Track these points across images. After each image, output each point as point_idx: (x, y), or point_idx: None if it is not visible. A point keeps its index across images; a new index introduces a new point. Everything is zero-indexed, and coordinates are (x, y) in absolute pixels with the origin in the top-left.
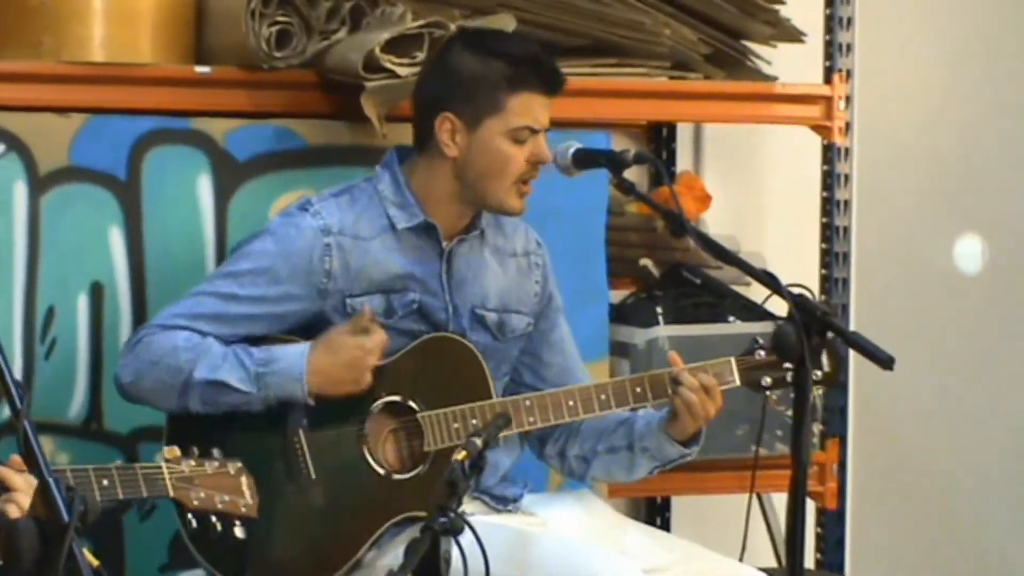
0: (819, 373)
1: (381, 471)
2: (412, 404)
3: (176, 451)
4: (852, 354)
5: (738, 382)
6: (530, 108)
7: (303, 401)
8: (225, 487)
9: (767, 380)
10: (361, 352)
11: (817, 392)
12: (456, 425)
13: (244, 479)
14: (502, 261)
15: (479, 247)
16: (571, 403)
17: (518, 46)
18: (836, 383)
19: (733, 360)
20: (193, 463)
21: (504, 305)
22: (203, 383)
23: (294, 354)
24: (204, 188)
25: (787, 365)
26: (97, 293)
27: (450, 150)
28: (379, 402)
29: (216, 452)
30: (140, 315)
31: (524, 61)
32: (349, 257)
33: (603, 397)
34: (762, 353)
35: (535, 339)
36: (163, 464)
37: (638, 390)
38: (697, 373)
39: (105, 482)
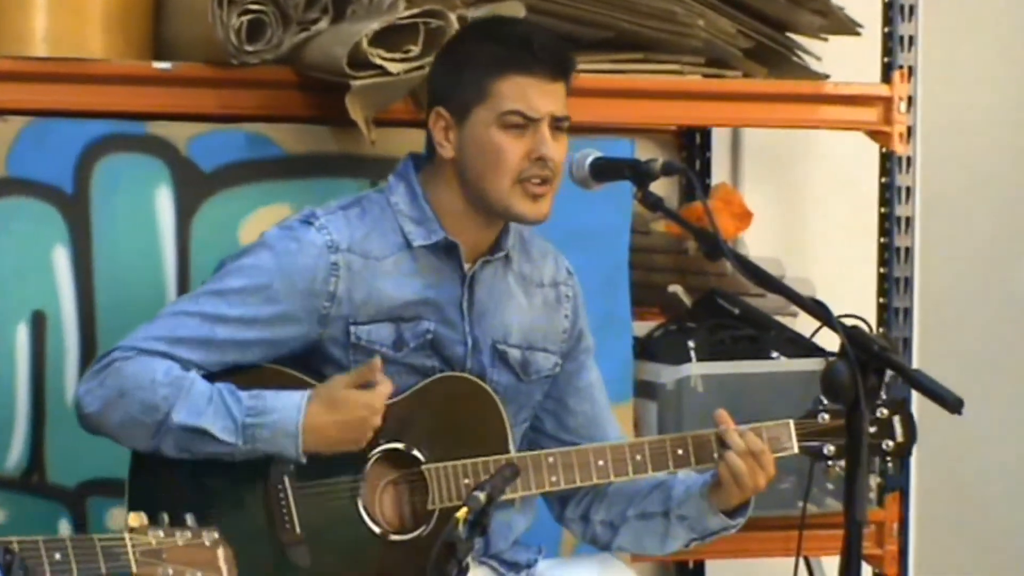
0: (890, 443)
1: (377, 529)
2: (417, 453)
3: (143, 518)
4: (915, 396)
5: (795, 449)
6: (522, 92)
7: (295, 459)
8: (199, 561)
9: (830, 449)
10: (366, 412)
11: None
12: (466, 481)
13: (221, 551)
14: (527, 291)
15: (503, 273)
16: (601, 463)
17: (512, 27)
18: (907, 455)
19: (792, 424)
20: (162, 534)
21: (528, 341)
22: (181, 428)
23: (289, 406)
24: (163, 203)
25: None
26: (39, 323)
27: (445, 150)
28: (379, 449)
29: (189, 519)
30: (89, 348)
31: (513, 41)
32: (357, 279)
33: (638, 458)
34: (826, 417)
35: (561, 383)
36: (126, 535)
37: (679, 452)
38: (746, 435)
39: (58, 556)
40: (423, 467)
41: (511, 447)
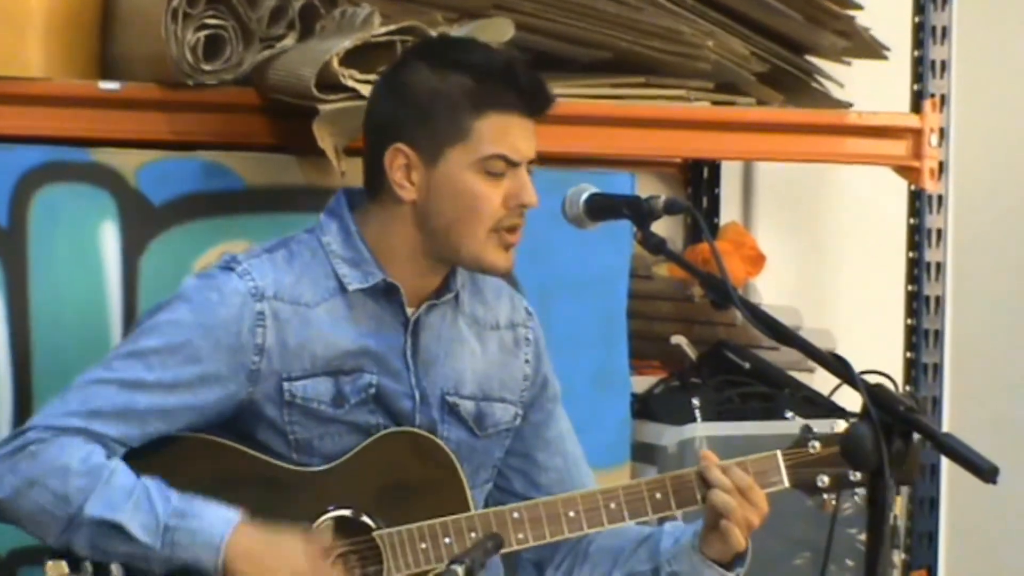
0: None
1: None
2: (367, 520)
3: (63, 567)
4: (945, 463)
5: (787, 483)
6: (504, 132)
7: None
8: None
9: (824, 479)
10: (306, 547)
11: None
12: (424, 546)
13: None
14: (481, 335)
15: (453, 316)
16: (572, 514)
17: (486, 55)
18: (910, 482)
19: (779, 454)
20: None
21: (484, 392)
22: (94, 522)
23: (219, 518)
24: (109, 239)
25: (856, 476)
26: None
27: (406, 192)
28: (324, 517)
29: (116, 569)
30: (24, 404)
31: (494, 72)
32: (287, 329)
33: (613, 506)
34: (816, 445)
35: (527, 436)
36: None
37: (658, 496)
38: (730, 470)
39: None
40: (375, 534)
41: (471, 505)
